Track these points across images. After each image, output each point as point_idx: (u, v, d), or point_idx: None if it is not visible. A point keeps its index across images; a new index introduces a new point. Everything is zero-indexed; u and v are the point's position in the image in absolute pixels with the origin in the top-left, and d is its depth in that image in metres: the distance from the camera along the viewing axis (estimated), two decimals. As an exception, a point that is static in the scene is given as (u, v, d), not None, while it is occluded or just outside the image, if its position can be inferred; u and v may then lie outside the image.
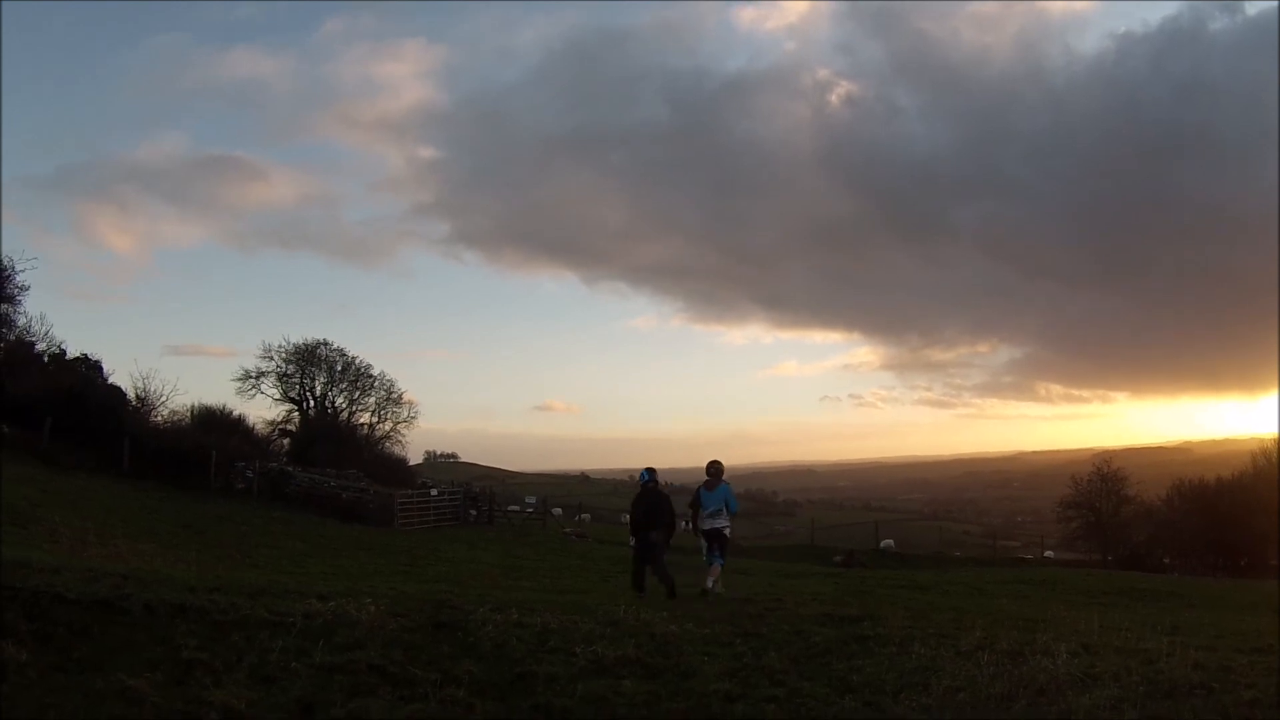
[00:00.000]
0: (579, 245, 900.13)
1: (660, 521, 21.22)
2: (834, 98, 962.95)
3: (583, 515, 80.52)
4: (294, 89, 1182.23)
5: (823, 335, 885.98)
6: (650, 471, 22.16)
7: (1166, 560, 63.08)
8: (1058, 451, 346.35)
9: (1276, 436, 71.10)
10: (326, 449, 59.34)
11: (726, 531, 21.62)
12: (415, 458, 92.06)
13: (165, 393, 56.40)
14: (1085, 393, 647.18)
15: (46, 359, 53.97)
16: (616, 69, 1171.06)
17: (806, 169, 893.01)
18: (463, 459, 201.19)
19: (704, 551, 21.66)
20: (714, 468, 21.95)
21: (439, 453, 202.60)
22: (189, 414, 58.07)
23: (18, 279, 51.87)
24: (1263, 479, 67.44)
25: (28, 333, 53.50)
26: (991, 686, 9.92)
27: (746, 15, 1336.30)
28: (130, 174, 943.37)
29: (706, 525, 21.40)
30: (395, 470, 66.86)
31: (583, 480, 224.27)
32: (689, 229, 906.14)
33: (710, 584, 20.70)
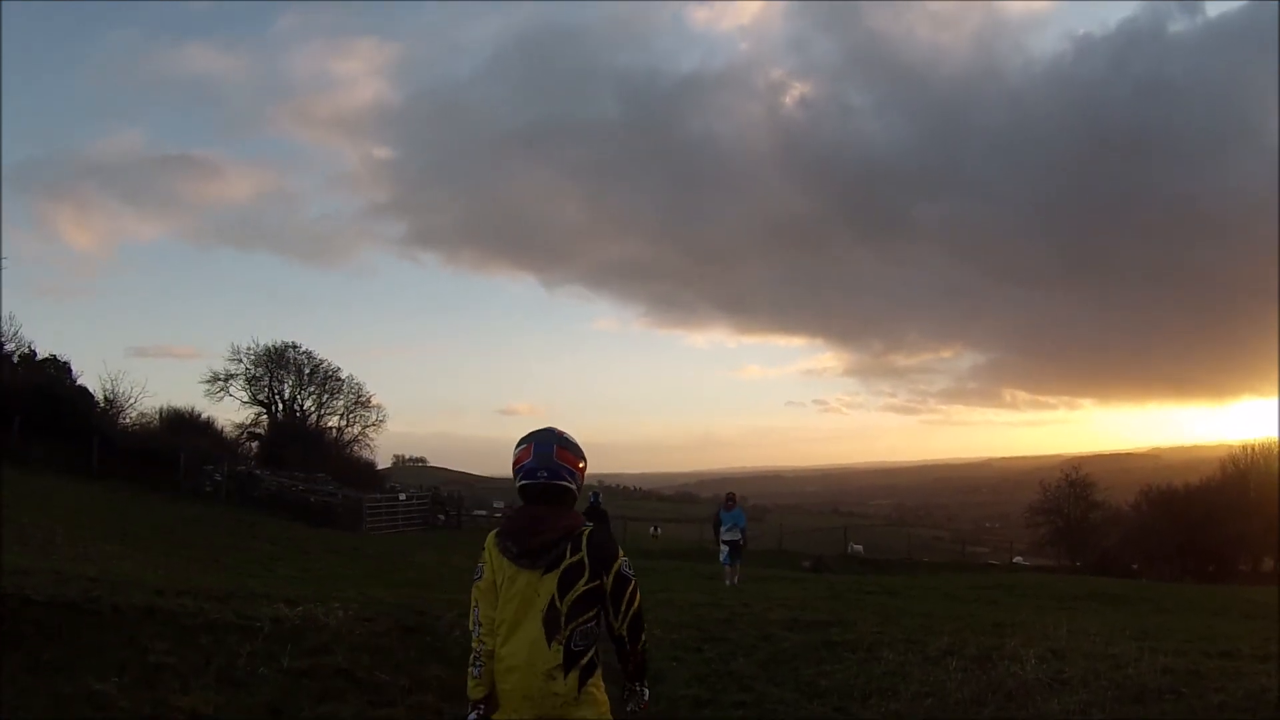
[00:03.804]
0: (538, 245, 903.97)
1: None
2: (789, 97, 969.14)
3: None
4: (249, 85, 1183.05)
5: (785, 340, 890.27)
6: (596, 494, 29.88)
7: (1135, 566, 63.32)
8: (1026, 458, 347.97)
9: (1277, 440, 71.24)
10: (295, 452, 59.13)
11: (740, 541, 28.53)
12: (384, 462, 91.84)
13: (134, 394, 56.02)
14: (1052, 399, 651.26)
15: (16, 359, 53.58)
16: (568, 66, 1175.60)
17: (764, 168, 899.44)
18: (432, 463, 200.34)
19: (722, 555, 28.64)
20: (731, 495, 30.40)
21: (408, 457, 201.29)
22: (158, 416, 57.76)
23: (-12, 280, 51.50)
24: (1231, 485, 67.91)
25: (-1, 333, 53.08)
26: (960, 691, 9.96)
27: (700, 15, 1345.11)
28: (89, 171, 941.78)
29: (726, 537, 28.34)
30: (364, 474, 66.61)
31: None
32: (647, 228, 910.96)
33: (734, 580, 27.45)
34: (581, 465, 5.25)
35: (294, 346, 69.26)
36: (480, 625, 5.08)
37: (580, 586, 4.85)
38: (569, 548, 4.90)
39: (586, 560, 4.89)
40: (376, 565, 31.82)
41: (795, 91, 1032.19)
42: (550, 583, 4.84)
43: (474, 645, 5.10)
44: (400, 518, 54.20)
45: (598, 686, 4.93)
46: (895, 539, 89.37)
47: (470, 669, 5.11)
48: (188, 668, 9.17)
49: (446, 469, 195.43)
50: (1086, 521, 72.49)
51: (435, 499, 62.04)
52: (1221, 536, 62.21)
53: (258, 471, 53.05)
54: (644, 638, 5.09)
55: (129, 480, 43.13)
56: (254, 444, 65.53)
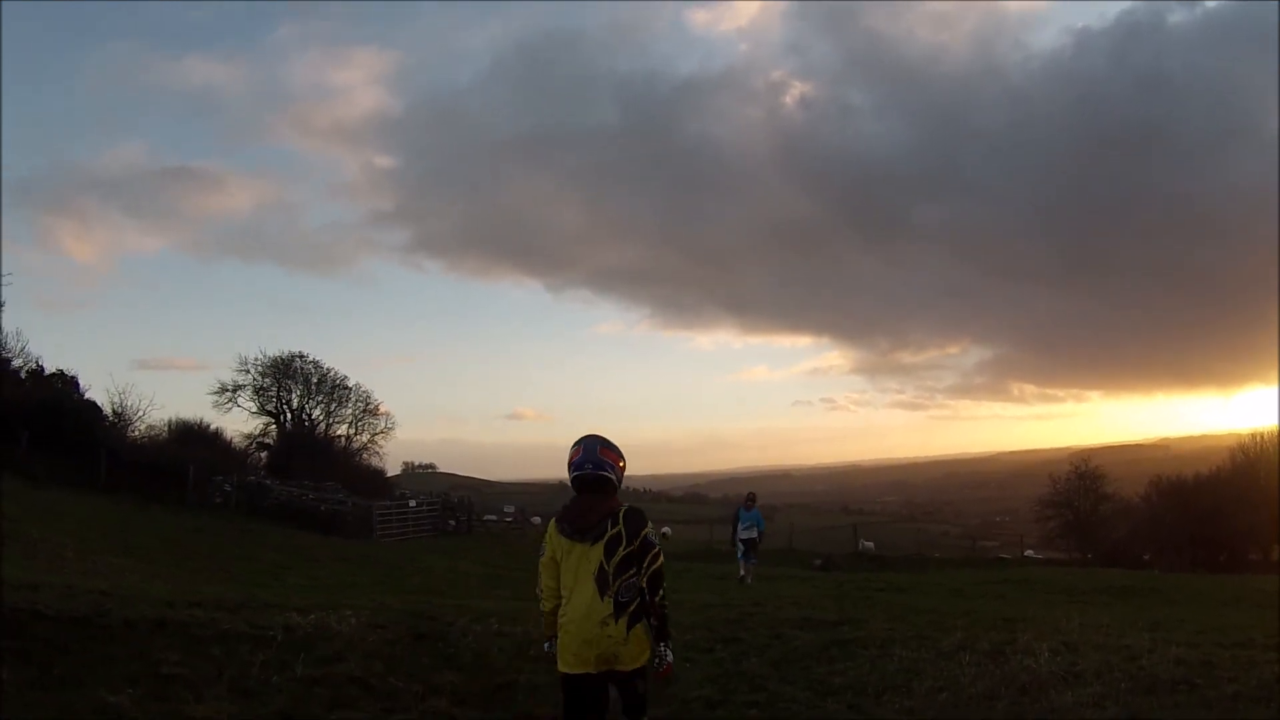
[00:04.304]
0: (540, 250, 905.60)
1: None
2: (789, 99, 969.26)
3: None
4: (248, 95, 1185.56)
5: (791, 340, 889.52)
6: None
7: (1146, 557, 63.12)
8: (1034, 451, 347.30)
9: (1276, 429, 70.96)
10: (304, 461, 59.13)
11: (757, 540, 30.14)
12: (393, 469, 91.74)
13: (142, 407, 56.07)
14: (1059, 392, 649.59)
15: (24, 374, 53.58)
16: (568, 72, 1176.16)
17: (765, 171, 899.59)
18: (441, 469, 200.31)
19: (739, 553, 30.00)
20: (751, 496, 31.58)
21: (417, 463, 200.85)
22: (166, 428, 57.78)
23: (-4, 295, 51.38)
24: (1241, 474, 67.64)
25: (4, 348, 53.03)
26: (973, 687, 9.94)
27: (699, 18, 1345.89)
28: (90, 184, 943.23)
29: (743, 535, 29.81)
30: (373, 482, 66.60)
31: (561, 488, 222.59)
32: (649, 232, 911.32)
33: (746, 577, 28.94)
34: (621, 464, 7.12)
35: (301, 356, 69.39)
36: (543, 591, 7.05)
37: (621, 552, 6.72)
38: (609, 523, 6.76)
39: (624, 531, 6.75)
40: (387, 572, 31.83)
41: (795, 93, 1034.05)
42: (599, 551, 6.72)
43: (540, 606, 7.11)
44: (410, 524, 54.13)
45: (643, 631, 6.80)
46: (905, 536, 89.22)
47: (544, 628, 7.16)
48: (200, 678, 9.17)
49: (456, 474, 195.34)
50: (1096, 514, 72.27)
51: (445, 505, 62.02)
52: (1232, 526, 61.99)
53: (267, 481, 53.04)
54: (663, 592, 6.85)
55: (138, 493, 43.12)
56: (263, 454, 65.58)
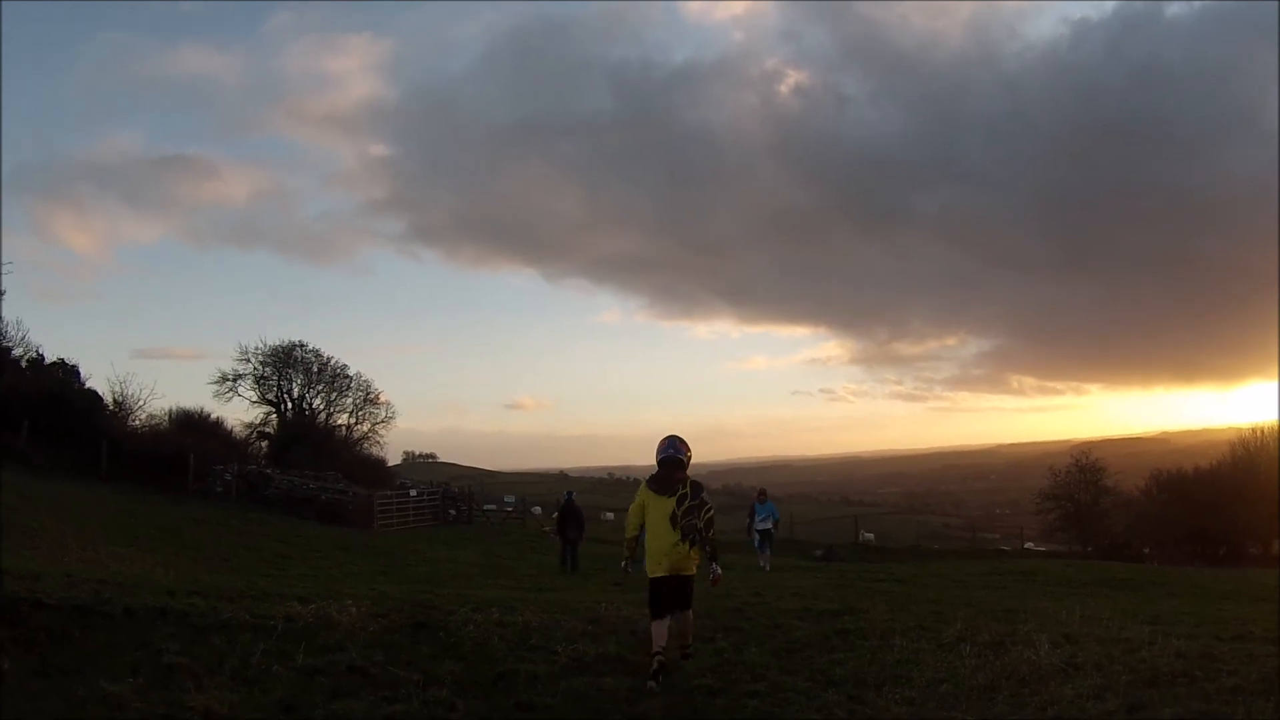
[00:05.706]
0: (537, 239, 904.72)
1: (574, 525, 33.62)
2: (784, 86, 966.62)
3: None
4: (243, 84, 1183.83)
5: (789, 329, 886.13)
6: (570, 493, 36.40)
7: (1146, 550, 63.09)
8: (1035, 444, 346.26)
9: (1276, 424, 70.76)
10: (305, 451, 59.01)
11: (772, 531, 32.70)
12: (394, 458, 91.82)
13: (142, 396, 55.95)
14: (1058, 385, 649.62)
15: (24, 363, 53.49)
16: (561, 59, 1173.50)
17: (761, 159, 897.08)
18: (441, 459, 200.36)
19: (756, 544, 32.57)
20: (762, 491, 34.80)
21: (417, 453, 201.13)
22: (167, 417, 57.66)
23: (-5, 284, 51.35)
24: (1240, 468, 67.53)
25: (4, 336, 52.91)
26: (974, 678, 9.94)
27: (693, 5, 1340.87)
28: (86, 173, 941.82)
29: (759, 527, 32.36)
30: (374, 471, 66.39)
31: (561, 478, 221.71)
32: (645, 221, 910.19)
33: (764, 565, 31.14)
34: (689, 452, 11.31)
35: (301, 345, 69.21)
36: (629, 523, 11.22)
37: (687, 503, 10.72)
38: (682, 485, 10.85)
39: (689, 492, 10.81)
40: (388, 562, 31.83)
41: (790, 81, 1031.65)
42: (674, 502, 10.73)
43: (627, 535, 11.34)
44: (411, 514, 54.06)
45: (697, 552, 10.75)
46: (905, 527, 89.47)
47: (625, 548, 11.37)
48: (201, 667, 9.16)
49: (457, 464, 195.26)
50: (1097, 506, 71.91)
51: (446, 494, 61.93)
52: (1231, 520, 61.91)
53: (268, 471, 52.97)
54: (714, 530, 10.92)
55: (138, 482, 43.09)
56: (264, 443, 65.42)
